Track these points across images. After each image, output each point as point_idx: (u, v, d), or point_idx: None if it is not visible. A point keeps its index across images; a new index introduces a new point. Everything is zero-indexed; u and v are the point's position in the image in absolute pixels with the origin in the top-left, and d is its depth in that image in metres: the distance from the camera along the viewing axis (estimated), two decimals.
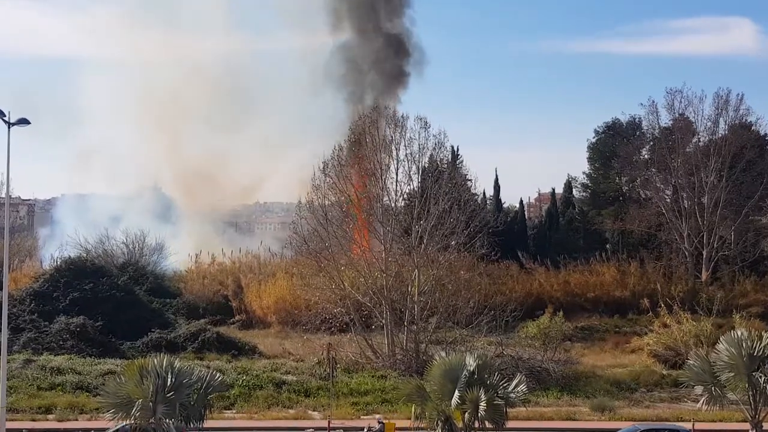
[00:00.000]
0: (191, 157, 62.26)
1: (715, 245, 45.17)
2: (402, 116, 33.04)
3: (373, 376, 28.60)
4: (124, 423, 16.47)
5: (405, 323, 31.32)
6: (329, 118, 58.39)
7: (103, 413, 16.57)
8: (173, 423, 15.50)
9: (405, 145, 32.24)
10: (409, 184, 32.93)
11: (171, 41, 69.40)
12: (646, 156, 50.33)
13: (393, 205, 32.68)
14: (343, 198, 32.88)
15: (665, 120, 48.79)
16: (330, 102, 61.39)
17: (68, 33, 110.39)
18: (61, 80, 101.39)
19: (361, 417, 24.42)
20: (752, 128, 47.59)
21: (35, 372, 27.71)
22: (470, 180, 40.37)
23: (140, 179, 65.82)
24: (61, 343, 31.86)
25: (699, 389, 18.59)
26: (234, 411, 25.23)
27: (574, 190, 56.68)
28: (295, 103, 67.59)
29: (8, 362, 23.79)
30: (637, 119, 52.11)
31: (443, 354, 17.66)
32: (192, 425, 15.86)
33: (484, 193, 52.43)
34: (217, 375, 17.24)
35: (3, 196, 44.40)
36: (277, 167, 63.33)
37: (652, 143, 49.93)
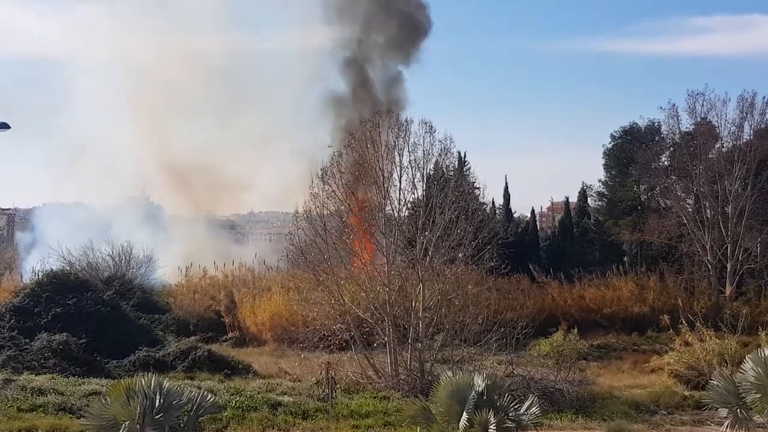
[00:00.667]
0: (182, 156, 62.72)
1: (739, 258, 45.08)
2: (406, 120, 32.98)
3: (375, 397, 28.50)
4: None
5: (409, 341, 31.24)
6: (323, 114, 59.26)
7: None
8: None
9: (409, 151, 32.14)
10: (413, 193, 32.85)
11: (163, 40, 69.79)
12: (666, 163, 50.38)
13: (396, 214, 32.57)
14: (342, 207, 32.77)
15: (686, 124, 48.84)
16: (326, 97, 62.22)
17: (52, 31, 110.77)
18: (43, 81, 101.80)
19: None
20: None
21: (15, 392, 27.64)
22: (478, 188, 40.42)
23: (128, 186, 66.33)
24: (43, 361, 31.76)
25: (723, 412, 18.46)
26: None
27: (589, 198, 56.77)
28: (293, 99, 68.24)
29: None
30: (656, 123, 52.22)
31: (450, 374, 17.55)
32: None
33: (493, 202, 52.57)
34: (209, 396, 17.13)
35: None
36: (274, 164, 63.79)
37: (672, 149, 49.96)
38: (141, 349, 33.99)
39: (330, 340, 32.67)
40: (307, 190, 32.90)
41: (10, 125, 21.56)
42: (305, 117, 67.77)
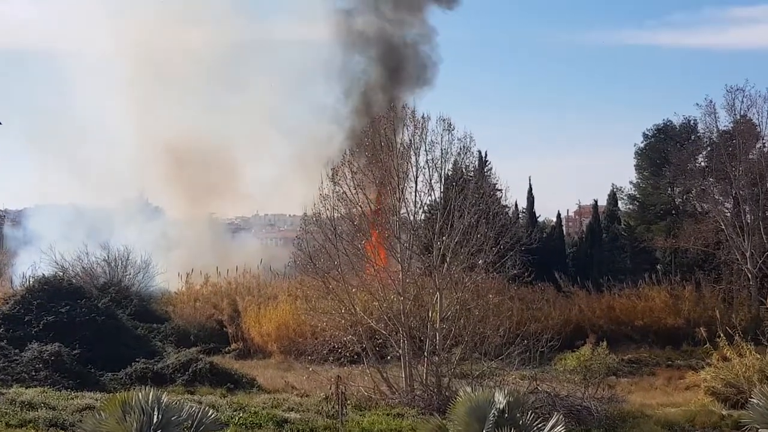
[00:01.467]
0: (180, 145, 63.01)
1: None
2: (423, 117, 32.90)
3: (388, 415, 28.46)
4: None
5: (425, 354, 31.18)
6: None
7: None
8: None
9: (426, 150, 32.07)
10: (430, 195, 32.79)
11: (158, 29, 70.05)
12: (702, 163, 50.23)
13: (411, 218, 32.52)
14: (354, 210, 32.72)
15: (725, 122, 48.66)
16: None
17: (39, 20, 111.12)
18: (30, 74, 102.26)
19: None
20: None
21: (4, 406, 27.73)
22: (500, 190, 40.19)
23: (124, 187, 66.67)
24: (34, 373, 31.91)
25: None
26: None
27: (619, 202, 56.73)
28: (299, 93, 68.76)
29: None
30: (692, 121, 52.17)
31: (469, 389, 17.47)
32: None
33: (516, 206, 52.67)
34: (210, 412, 17.17)
35: None
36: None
37: (709, 149, 49.81)
38: (138, 361, 34.09)
39: (340, 353, 32.68)
40: (311, 184, 32.96)
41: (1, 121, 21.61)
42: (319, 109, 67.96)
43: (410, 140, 32.61)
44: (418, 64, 66.04)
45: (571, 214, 78.30)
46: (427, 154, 32.43)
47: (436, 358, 31.24)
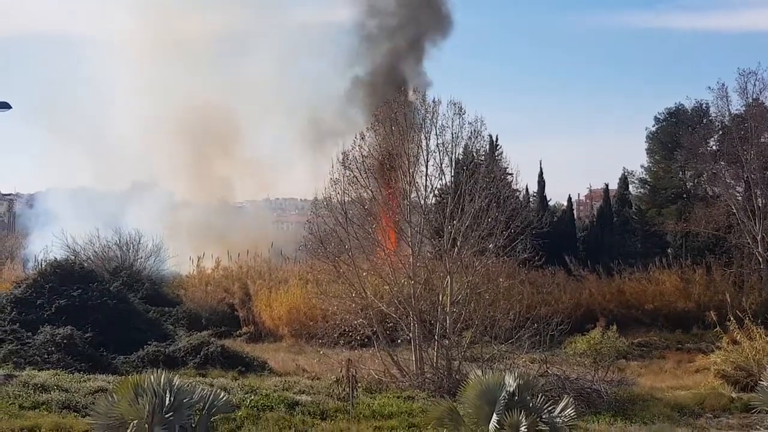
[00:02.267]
0: (196, 129, 63.08)
1: None
2: (433, 100, 32.86)
3: (398, 397, 28.57)
4: None
5: (435, 337, 31.28)
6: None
7: None
8: None
9: (436, 134, 32.06)
10: (441, 179, 32.81)
11: (172, 16, 70.06)
12: (714, 147, 50.01)
13: (422, 202, 32.55)
14: (365, 194, 32.74)
15: (737, 106, 48.38)
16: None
17: (55, 7, 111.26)
18: (44, 60, 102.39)
19: None
20: None
21: (17, 389, 27.93)
22: (511, 174, 40.13)
23: (136, 170, 66.80)
24: (46, 356, 32.11)
25: None
26: None
27: (630, 186, 56.61)
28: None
29: None
30: (704, 105, 51.92)
31: (479, 372, 17.51)
32: None
33: (526, 189, 52.60)
34: (222, 394, 17.27)
35: None
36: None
37: (721, 132, 49.59)
38: (150, 344, 34.23)
39: (351, 336, 32.80)
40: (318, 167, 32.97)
41: (11, 105, 21.66)
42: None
43: (421, 124, 32.65)
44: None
45: (581, 198, 78.20)
46: (437, 138, 32.50)
47: (447, 342, 31.31)
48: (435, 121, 32.31)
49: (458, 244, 31.61)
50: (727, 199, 47.30)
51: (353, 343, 32.89)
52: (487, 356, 31.00)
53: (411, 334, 31.77)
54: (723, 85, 48.22)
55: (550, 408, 16.62)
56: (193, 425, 16.16)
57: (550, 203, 57.57)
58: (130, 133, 69.79)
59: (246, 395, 28.33)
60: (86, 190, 63.10)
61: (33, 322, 35.14)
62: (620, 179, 56.86)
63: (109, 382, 27.59)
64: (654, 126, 54.83)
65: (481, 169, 32.60)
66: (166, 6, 69.51)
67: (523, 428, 15.74)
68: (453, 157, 32.81)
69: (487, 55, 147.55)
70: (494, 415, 16.01)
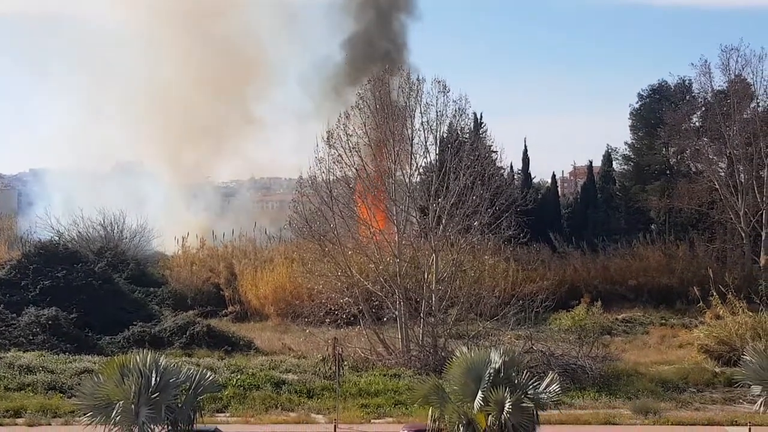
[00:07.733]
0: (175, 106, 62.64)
1: None
2: (417, 79, 32.80)
3: (384, 375, 28.69)
4: None
5: (421, 315, 31.37)
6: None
7: (79, 417, 16.67)
8: (159, 428, 15.55)
9: (421, 112, 32.03)
10: (426, 157, 32.78)
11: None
12: (697, 123, 50.03)
13: (407, 180, 32.51)
14: (350, 173, 32.68)
15: (719, 82, 48.35)
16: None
17: None
18: (40, 37, 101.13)
19: (372, 421, 24.48)
20: None
21: (2, 371, 27.95)
22: (495, 152, 40.23)
23: (120, 151, 66.27)
24: (31, 337, 32.07)
25: (757, 389, 18.55)
26: (227, 414, 25.33)
27: (614, 162, 56.57)
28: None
29: None
30: (687, 81, 51.75)
31: (465, 350, 17.59)
32: (180, 430, 15.89)
33: (511, 167, 52.44)
34: (208, 374, 17.32)
35: None
36: None
37: (704, 109, 49.60)
38: (135, 325, 34.23)
39: (337, 315, 32.81)
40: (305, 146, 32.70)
41: None
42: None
43: (405, 102, 32.57)
44: None
45: (566, 175, 77.89)
46: (422, 116, 32.47)
47: (432, 319, 31.41)
48: (419, 99, 32.30)
49: (443, 222, 31.63)
50: (710, 175, 47.42)
51: (339, 321, 32.90)
52: (473, 333, 31.09)
53: (397, 312, 31.84)
54: (706, 61, 48.23)
55: (535, 384, 16.71)
56: (180, 405, 16.17)
57: (535, 180, 57.51)
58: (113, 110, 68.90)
59: (232, 374, 28.35)
60: (69, 169, 62.45)
61: (17, 303, 35.04)
62: (604, 156, 56.84)
63: (94, 363, 27.57)
64: (637, 103, 54.75)
65: (465, 147, 32.54)
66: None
67: (508, 404, 15.83)
68: (438, 135, 32.84)
69: (469, 32, 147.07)
70: (480, 391, 16.07)
